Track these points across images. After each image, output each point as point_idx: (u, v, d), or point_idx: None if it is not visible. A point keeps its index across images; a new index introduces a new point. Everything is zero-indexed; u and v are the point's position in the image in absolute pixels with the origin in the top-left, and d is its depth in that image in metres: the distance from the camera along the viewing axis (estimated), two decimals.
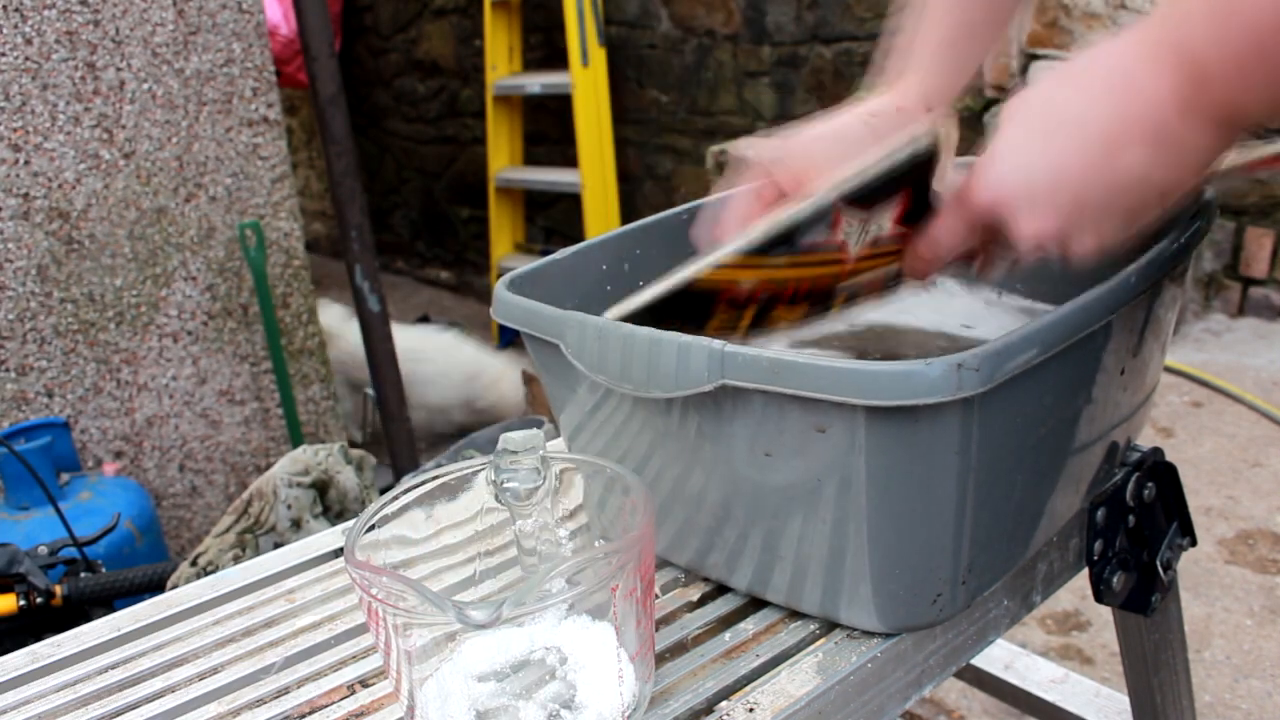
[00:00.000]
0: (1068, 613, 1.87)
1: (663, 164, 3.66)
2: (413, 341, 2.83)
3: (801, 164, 0.66)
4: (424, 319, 3.96)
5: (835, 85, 3.18)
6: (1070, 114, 0.50)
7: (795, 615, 0.62)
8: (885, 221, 0.60)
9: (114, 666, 0.66)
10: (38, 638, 0.79)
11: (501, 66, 3.62)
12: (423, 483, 0.59)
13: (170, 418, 2.05)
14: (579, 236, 3.62)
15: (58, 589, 1.23)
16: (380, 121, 4.64)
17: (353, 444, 1.35)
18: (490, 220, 3.79)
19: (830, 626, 0.61)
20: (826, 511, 0.55)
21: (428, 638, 0.52)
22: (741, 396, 0.53)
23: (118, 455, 1.99)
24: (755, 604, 0.64)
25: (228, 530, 1.14)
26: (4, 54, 1.77)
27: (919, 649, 0.61)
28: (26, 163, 1.81)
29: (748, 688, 0.57)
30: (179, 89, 1.95)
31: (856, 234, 0.59)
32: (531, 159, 3.90)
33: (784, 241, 0.57)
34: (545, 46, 3.75)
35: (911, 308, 0.79)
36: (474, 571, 0.65)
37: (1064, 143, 0.50)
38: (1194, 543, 0.74)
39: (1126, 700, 0.90)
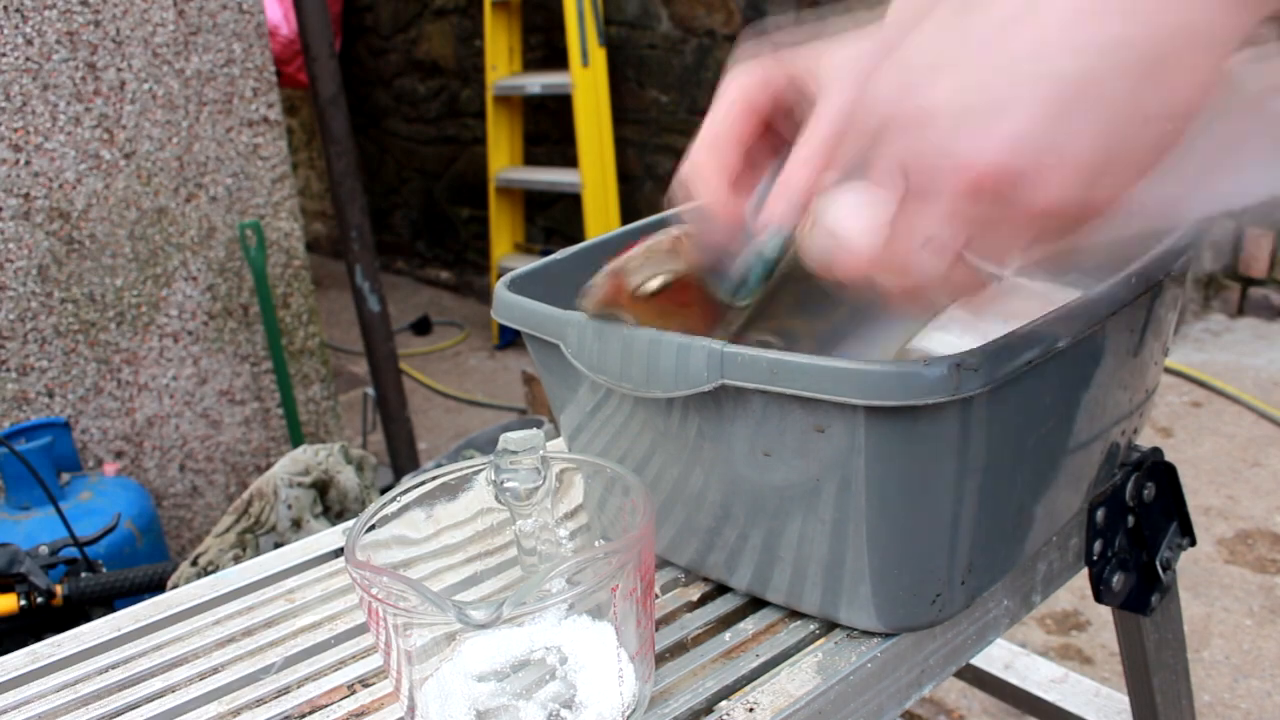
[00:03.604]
0: (1067, 612, 1.87)
1: (663, 164, 3.66)
2: None
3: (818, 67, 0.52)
4: (424, 319, 3.96)
5: None
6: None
7: (795, 615, 0.62)
8: None
9: (114, 666, 0.66)
10: (38, 638, 0.79)
11: (501, 66, 3.62)
12: (423, 483, 0.59)
13: (171, 418, 2.05)
14: (579, 236, 3.62)
15: (58, 589, 1.23)
16: (380, 121, 4.64)
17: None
18: (490, 220, 3.79)
19: (830, 626, 0.61)
20: (826, 511, 0.55)
21: (428, 638, 0.52)
22: (741, 396, 0.53)
23: (118, 455, 1.99)
24: (755, 604, 0.64)
25: (228, 530, 1.14)
26: (5, 54, 1.77)
27: (919, 649, 0.61)
28: (27, 163, 1.81)
29: (748, 687, 0.57)
30: (179, 89, 1.95)
31: None
32: (531, 159, 3.90)
33: None
34: (545, 46, 3.75)
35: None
36: (474, 571, 0.65)
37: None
38: (1193, 543, 0.74)
39: (1126, 700, 0.90)
